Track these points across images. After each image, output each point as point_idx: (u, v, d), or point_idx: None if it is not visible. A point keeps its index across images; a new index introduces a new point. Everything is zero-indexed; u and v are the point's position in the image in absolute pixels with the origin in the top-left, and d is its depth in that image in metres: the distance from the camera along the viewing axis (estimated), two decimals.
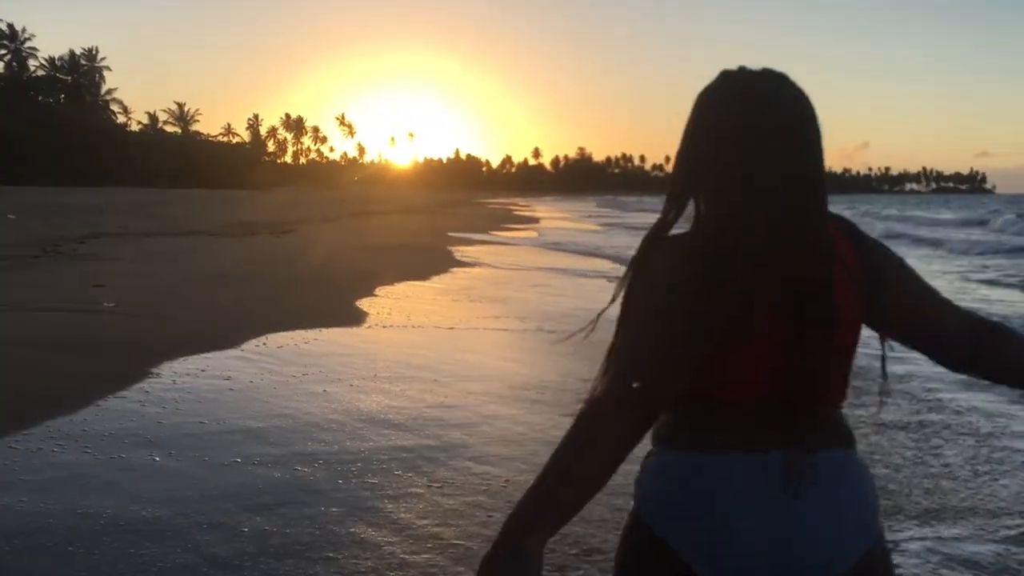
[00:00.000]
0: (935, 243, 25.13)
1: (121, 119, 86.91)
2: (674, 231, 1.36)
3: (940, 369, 1.48)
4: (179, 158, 74.19)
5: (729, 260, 1.26)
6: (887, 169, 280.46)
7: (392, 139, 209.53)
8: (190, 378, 5.85)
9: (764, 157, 1.29)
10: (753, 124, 1.30)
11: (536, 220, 40.95)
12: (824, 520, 1.23)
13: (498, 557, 1.20)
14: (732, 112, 1.32)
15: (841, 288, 1.27)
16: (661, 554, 1.28)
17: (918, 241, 26.07)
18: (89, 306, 8.52)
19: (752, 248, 1.26)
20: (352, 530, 3.42)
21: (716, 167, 1.32)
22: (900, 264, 1.38)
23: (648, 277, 1.32)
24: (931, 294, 1.38)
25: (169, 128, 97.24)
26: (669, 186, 1.40)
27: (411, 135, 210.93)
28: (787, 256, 1.27)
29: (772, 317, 1.25)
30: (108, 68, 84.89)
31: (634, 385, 1.27)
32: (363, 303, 9.63)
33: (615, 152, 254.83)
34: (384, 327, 8.26)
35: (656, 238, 1.36)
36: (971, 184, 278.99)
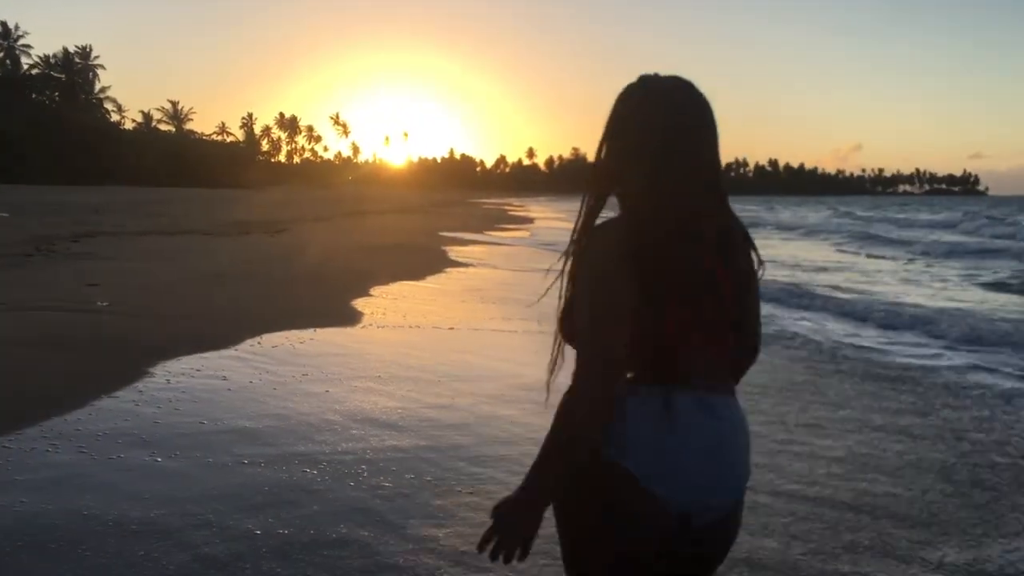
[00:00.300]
0: (903, 244, 25.76)
1: (115, 118, 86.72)
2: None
3: None
4: (174, 157, 74.00)
5: (669, 240, 1.48)
6: (880, 171, 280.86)
7: (387, 139, 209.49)
8: (185, 378, 5.85)
9: (678, 154, 1.52)
10: (670, 124, 1.53)
11: (531, 220, 40.98)
12: (741, 441, 1.56)
13: (521, 510, 1.48)
14: (652, 114, 1.54)
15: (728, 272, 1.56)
16: (633, 488, 1.48)
17: (890, 242, 26.72)
18: (83, 305, 8.51)
19: (685, 229, 1.51)
20: (346, 531, 3.43)
21: (643, 162, 1.53)
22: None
23: (597, 258, 1.49)
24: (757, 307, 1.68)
25: (163, 127, 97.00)
26: (592, 178, 1.61)
27: (405, 135, 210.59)
28: (710, 237, 1.53)
29: (708, 299, 1.52)
30: (102, 66, 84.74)
31: (618, 354, 1.46)
32: (358, 303, 9.63)
33: None
34: (380, 327, 8.27)
35: (591, 227, 1.56)
36: (964, 186, 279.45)
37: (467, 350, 7.32)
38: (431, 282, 12.36)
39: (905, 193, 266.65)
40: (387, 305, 9.67)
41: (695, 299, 1.49)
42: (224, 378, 5.90)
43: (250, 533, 3.36)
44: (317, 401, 5.38)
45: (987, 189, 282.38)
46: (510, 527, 1.47)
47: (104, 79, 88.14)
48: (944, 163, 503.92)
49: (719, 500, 1.53)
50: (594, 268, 1.49)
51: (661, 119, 1.53)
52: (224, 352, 6.69)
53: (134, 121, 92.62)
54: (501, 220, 39.19)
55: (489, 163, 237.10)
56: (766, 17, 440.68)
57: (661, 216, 1.50)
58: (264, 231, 21.75)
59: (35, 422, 4.67)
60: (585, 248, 1.53)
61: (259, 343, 7.06)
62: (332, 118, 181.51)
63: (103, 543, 3.22)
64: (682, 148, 1.52)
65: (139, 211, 29.95)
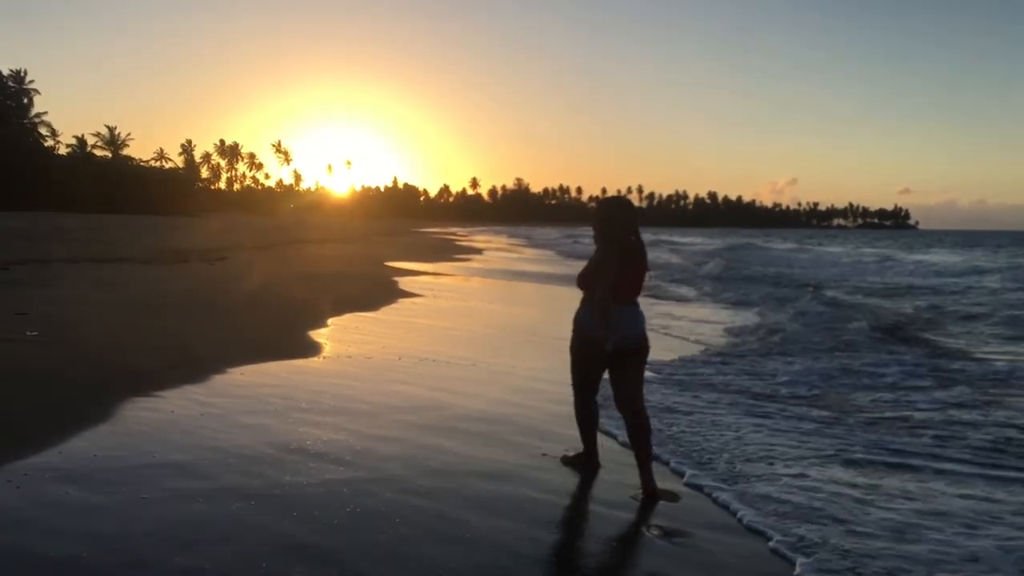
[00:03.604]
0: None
1: (49, 143, 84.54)
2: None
3: None
4: (109, 182, 72.39)
5: (626, 250, 4.55)
6: (815, 204, 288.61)
7: (329, 167, 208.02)
8: (116, 410, 5.70)
9: (628, 221, 4.64)
10: (626, 214, 4.67)
11: (479, 251, 41.01)
12: (639, 319, 4.63)
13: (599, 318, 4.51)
14: (619, 210, 4.69)
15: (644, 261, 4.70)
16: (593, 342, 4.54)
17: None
18: (10, 335, 8.25)
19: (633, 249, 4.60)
20: (282, 567, 3.38)
21: (618, 228, 4.59)
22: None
23: (607, 256, 4.52)
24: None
25: (99, 152, 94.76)
26: (600, 234, 4.63)
27: (348, 163, 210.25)
28: (640, 252, 4.64)
29: (635, 268, 4.58)
30: (36, 91, 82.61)
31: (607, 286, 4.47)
32: (314, 334, 9.53)
33: (553, 183, 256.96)
34: (333, 358, 8.19)
35: (603, 249, 4.60)
36: (895, 220, 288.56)
37: (413, 382, 7.27)
38: (385, 313, 12.26)
39: (840, 226, 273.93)
40: (342, 337, 9.59)
41: (633, 271, 4.57)
42: (155, 410, 5.77)
43: (180, 571, 3.29)
44: (253, 434, 5.29)
45: (917, 223, 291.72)
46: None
47: (40, 104, 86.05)
48: (875, 198, 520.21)
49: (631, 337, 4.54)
50: (604, 257, 4.53)
51: (620, 212, 4.67)
52: (155, 382, 6.53)
53: (68, 146, 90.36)
54: (449, 250, 39.14)
55: (433, 192, 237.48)
56: (704, 55, 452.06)
57: (624, 242, 4.54)
58: (202, 259, 21.37)
59: None
60: (599, 251, 4.62)
61: (198, 374, 6.92)
62: (274, 145, 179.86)
63: None
64: (629, 220, 4.63)
65: (71, 237, 29.15)
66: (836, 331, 11.73)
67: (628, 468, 4.76)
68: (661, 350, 8.92)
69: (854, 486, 4.79)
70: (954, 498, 4.70)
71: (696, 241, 65.94)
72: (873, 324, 12.33)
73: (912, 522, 4.23)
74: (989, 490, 4.90)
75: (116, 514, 3.85)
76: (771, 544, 3.90)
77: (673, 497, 4.56)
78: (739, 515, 4.27)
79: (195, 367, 7.23)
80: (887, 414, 6.79)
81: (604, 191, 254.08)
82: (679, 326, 12.41)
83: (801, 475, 4.94)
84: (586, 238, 63.62)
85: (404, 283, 17.64)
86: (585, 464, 4.99)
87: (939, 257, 38.34)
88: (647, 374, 4.96)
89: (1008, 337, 12.13)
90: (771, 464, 5.18)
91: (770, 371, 8.59)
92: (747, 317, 14.13)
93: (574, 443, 5.17)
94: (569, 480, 4.80)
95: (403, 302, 13.92)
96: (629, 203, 4.81)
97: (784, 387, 7.78)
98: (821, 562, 3.66)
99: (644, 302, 4.84)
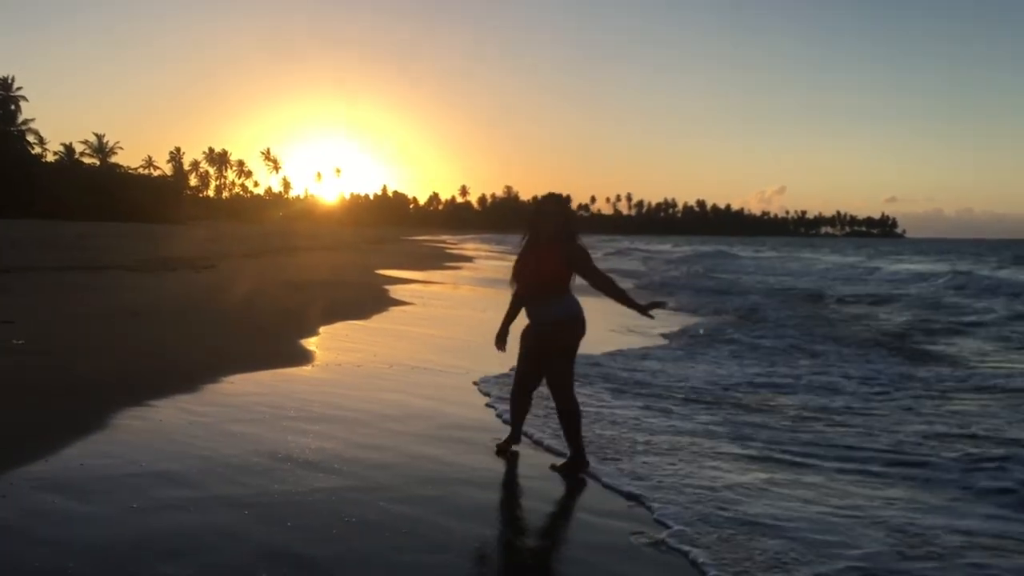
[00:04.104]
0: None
1: (37, 150, 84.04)
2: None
3: None
4: (97, 190, 71.98)
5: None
6: (803, 213, 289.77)
7: (319, 175, 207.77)
8: (104, 419, 5.67)
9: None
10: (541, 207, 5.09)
11: (469, 259, 41.01)
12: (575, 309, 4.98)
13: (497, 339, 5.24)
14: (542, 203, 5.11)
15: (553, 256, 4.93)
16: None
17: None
18: None
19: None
20: None
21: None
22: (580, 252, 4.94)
23: (521, 254, 5.10)
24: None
25: (87, 159, 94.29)
26: (527, 226, 5.12)
27: (338, 171, 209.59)
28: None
29: (532, 255, 5.02)
30: (24, 98, 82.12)
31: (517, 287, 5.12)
32: (305, 342, 9.53)
33: (542, 191, 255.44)
34: (323, 367, 8.18)
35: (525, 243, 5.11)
36: (882, 228, 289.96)
37: (404, 391, 7.26)
38: (376, 321, 12.24)
39: (827, 235, 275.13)
40: (334, 345, 9.58)
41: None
42: (142, 419, 5.75)
43: None
44: (242, 442, 5.28)
45: (904, 232, 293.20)
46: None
47: (27, 111, 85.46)
48: (862, 206, 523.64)
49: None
50: (580, 259, 4.96)
51: (539, 208, 5.13)
52: (144, 391, 6.50)
53: (56, 153, 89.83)
54: (439, 258, 39.14)
55: (422, 200, 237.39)
56: (693, 65, 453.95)
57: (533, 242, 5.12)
58: (191, 267, 21.30)
59: None
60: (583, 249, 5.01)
61: (189, 382, 6.90)
62: (263, 153, 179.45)
63: None
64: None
65: (59, 245, 29.01)
66: (759, 334, 12.47)
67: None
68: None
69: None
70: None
71: (665, 248, 69.83)
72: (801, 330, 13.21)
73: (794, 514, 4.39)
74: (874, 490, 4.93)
75: (104, 524, 3.83)
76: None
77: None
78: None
79: (184, 376, 7.20)
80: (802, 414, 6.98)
81: (593, 199, 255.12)
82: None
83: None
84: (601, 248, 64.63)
85: (395, 291, 17.62)
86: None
87: (899, 265, 39.76)
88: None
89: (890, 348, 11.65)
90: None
91: (682, 374, 8.69)
92: (683, 320, 14.39)
93: (564, 451, 5.22)
94: (557, 488, 4.81)
95: (394, 310, 13.91)
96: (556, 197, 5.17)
97: (689, 386, 7.99)
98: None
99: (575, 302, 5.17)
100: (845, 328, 14.17)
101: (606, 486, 4.77)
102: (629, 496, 4.59)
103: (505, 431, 5.59)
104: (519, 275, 5.03)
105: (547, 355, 5.00)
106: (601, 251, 55.58)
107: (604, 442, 5.68)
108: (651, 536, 4.01)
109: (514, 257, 5.17)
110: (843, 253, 63.26)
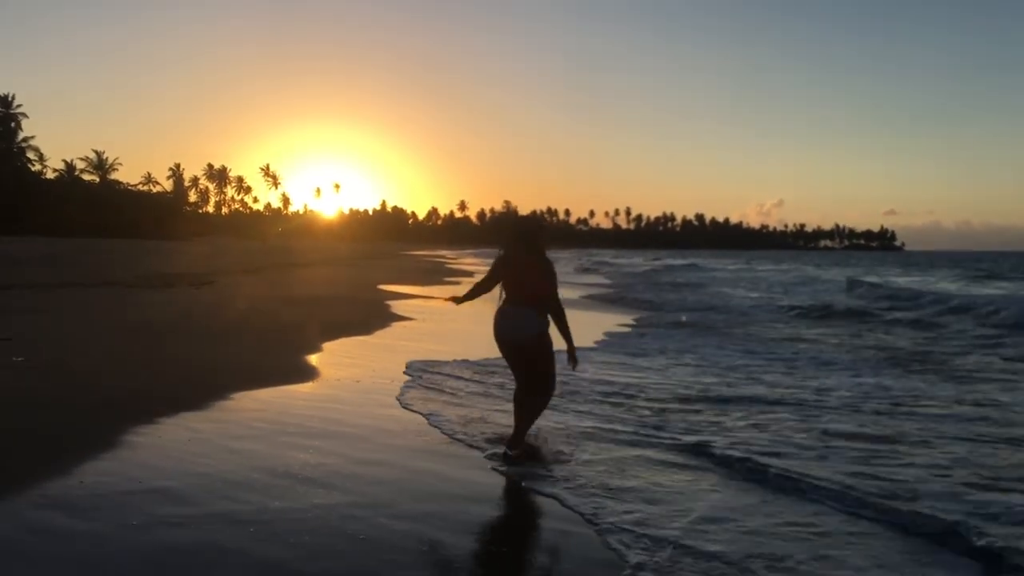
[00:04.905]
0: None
1: (37, 167, 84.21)
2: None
3: None
4: (97, 207, 72.12)
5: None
6: (802, 226, 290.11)
7: (318, 190, 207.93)
8: (104, 436, 5.66)
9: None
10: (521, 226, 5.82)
11: (470, 273, 40.97)
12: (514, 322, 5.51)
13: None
14: (518, 222, 5.93)
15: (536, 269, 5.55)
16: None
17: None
18: None
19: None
20: None
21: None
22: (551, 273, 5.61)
23: (497, 264, 5.69)
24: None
25: (87, 176, 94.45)
26: (500, 244, 5.78)
27: (337, 186, 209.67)
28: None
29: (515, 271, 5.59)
30: (24, 115, 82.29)
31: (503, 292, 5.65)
32: (309, 358, 9.54)
33: (541, 206, 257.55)
34: (326, 382, 8.18)
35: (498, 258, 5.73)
36: (881, 241, 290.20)
37: (408, 405, 7.26)
38: (378, 337, 12.22)
39: (826, 248, 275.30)
40: (337, 360, 9.58)
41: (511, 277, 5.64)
42: (140, 434, 5.75)
43: None
44: (241, 458, 5.28)
45: (903, 244, 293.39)
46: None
47: (28, 128, 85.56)
48: (861, 219, 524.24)
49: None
50: (494, 269, 5.72)
51: (512, 228, 5.86)
52: (137, 407, 6.50)
53: (56, 171, 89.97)
54: (440, 273, 39.15)
55: (421, 215, 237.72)
56: (692, 78, 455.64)
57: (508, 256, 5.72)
58: (189, 283, 21.30)
59: None
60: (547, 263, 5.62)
61: (191, 399, 6.90)
62: (262, 169, 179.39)
63: None
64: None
65: (59, 262, 29.04)
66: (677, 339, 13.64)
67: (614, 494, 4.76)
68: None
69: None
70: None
71: (635, 261, 73.76)
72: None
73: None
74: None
75: (103, 541, 3.83)
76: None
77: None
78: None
79: (184, 392, 7.20)
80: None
81: (592, 213, 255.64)
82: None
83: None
84: (574, 261, 65.18)
85: (396, 306, 17.64)
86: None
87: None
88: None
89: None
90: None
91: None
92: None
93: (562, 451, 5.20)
94: (558, 504, 4.79)
95: (395, 326, 13.92)
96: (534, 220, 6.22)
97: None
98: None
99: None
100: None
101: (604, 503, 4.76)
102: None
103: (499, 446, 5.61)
104: (506, 284, 5.63)
105: (519, 356, 5.64)
106: (572, 265, 57.26)
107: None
108: (650, 557, 4.00)
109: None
110: (808, 262, 72.37)
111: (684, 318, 17.98)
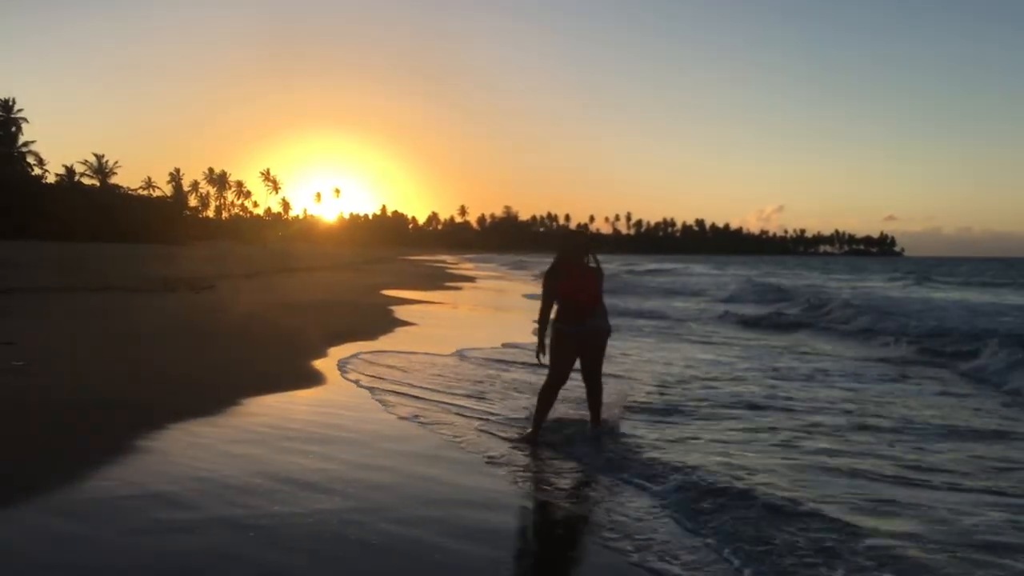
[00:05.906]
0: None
1: (37, 171, 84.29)
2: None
3: None
4: (97, 211, 72.12)
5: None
6: (802, 231, 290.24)
7: (318, 195, 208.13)
8: (104, 441, 5.66)
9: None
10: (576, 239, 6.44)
11: (471, 279, 40.96)
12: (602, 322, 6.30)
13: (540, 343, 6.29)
14: (570, 235, 6.67)
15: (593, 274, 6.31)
16: (566, 337, 6.17)
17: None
18: None
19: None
20: None
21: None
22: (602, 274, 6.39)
23: (553, 270, 6.28)
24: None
25: (87, 180, 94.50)
26: (559, 251, 6.34)
27: (337, 191, 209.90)
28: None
29: (579, 278, 6.24)
30: (25, 119, 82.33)
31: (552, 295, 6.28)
32: (315, 364, 9.53)
33: (541, 211, 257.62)
34: (331, 387, 8.18)
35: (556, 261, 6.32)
36: (881, 247, 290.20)
37: (403, 410, 7.25)
38: (383, 342, 12.19)
39: (826, 253, 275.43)
40: (343, 366, 9.54)
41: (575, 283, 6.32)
42: (143, 438, 5.74)
43: None
44: (243, 463, 5.27)
45: (903, 250, 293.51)
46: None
47: (28, 132, 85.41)
48: (860, 224, 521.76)
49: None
50: (550, 273, 6.29)
51: (572, 240, 6.41)
52: (142, 414, 6.49)
53: (56, 175, 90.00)
54: (441, 278, 39.10)
55: (421, 220, 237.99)
56: (692, 84, 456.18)
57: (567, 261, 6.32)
58: (190, 288, 21.29)
59: None
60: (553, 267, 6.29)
61: (193, 404, 6.89)
62: (262, 174, 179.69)
63: None
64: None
65: (59, 266, 29.05)
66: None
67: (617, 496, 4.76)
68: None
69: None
70: None
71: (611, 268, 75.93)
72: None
73: None
74: None
75: (103, 546, 3.82)
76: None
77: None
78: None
79: (184, 397, 7.20)
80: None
81: (592, 218, 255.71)
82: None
83: None
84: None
85: (400, 312, 17.62)
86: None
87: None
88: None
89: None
90: None
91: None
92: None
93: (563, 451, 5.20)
94: (560, 508, 4.79)
95: (399, 331, 13.90)
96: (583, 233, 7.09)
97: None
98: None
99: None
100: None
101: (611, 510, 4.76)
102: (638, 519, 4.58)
103: (506, 448, 5.61)
104: (572, 292, 6.18)
105: (599, 352, 6.34)
106: (539, 268, 56.99)
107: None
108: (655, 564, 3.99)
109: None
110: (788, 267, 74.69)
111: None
